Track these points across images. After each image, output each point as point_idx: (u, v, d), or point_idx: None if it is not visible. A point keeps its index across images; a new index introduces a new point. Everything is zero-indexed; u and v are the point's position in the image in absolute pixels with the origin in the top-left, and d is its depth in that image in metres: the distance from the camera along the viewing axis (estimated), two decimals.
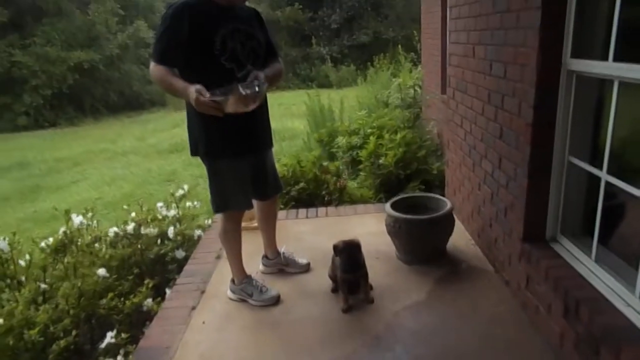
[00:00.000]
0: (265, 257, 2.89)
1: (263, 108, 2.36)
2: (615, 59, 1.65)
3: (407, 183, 4.67)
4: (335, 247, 2.43)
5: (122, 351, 2.11)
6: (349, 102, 8.52)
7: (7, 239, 2.56)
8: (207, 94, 1.99)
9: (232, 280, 2.62)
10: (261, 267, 2.88)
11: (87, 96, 17.81)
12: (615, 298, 1.70)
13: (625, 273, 1.70)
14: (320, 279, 2.73)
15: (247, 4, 2.39)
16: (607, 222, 1.85)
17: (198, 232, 3.61)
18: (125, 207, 3.54)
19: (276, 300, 2.54)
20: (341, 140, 6.05)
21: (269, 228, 2.82)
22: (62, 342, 2.05)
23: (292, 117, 11.27)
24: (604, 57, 1.71)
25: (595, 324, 1.64)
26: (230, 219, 2.48)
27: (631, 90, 1.63)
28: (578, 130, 1.97)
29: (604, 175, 1.78)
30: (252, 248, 2.89)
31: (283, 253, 2.87)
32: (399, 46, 11.10)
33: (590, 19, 1.82)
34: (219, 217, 2.56)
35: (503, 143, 2.43)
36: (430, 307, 2.43)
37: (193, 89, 1.99)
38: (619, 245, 1.77)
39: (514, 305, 2.36)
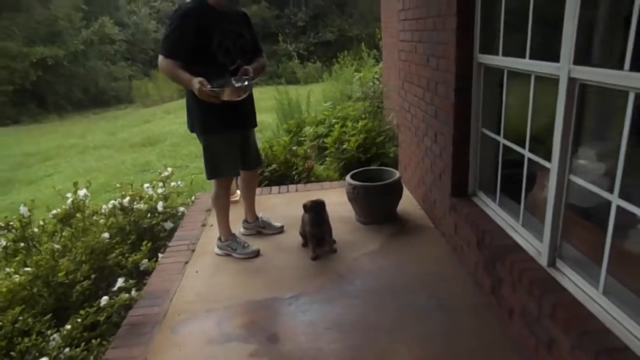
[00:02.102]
0: (245, 221, 3.41)
1: (249, 95, 2.88)
2: (503, 55, 2.28)
3: (368, 165, 5.28)
4: (304, 206, 2.99)
5: (133, 291, 2.58)
6: (315, 97, 9.07)
7: (26, 205, 2.98)
8: (208, 85, 2.50)
9: (219, 239, 3.13)
10: (242, 229, 3.40)
11: (51, 93, 17.60)
12: (508, 228, 2.33)
13: (516, 209, 2.33)
14: (293, 238, 3.28)
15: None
16: (506, 177, 2.48)
17: (182, 209, 4.08)
18: (117, 185, 3.95)
19: (257, 254, 3.08)
20: (308, 130, 6.61)
21: (249, 195, 3.35)
22: (85, 283, 2.51)
23: (260, 112, 11.66)
24: (497, 53, 2.33)
25: (493, 246, 2.27)
26: (221, 185, 2.99)
27: (516, 77, 2.25)
28: (487, 107, 2.60)
29: (501, 140, 2.42)
30: (233, 217, 3.39)
31: (261, 217, 3.41)
32: (362, 44, 11.73)
33: (489, 25, 2.44)
34: (212, 184, 3.04)
35: (437, 121, 3.04)
36: (382, 254, 3.03)
37: (196, 80, 2.49)
38: (512, 191, 2.39)
39: (447, 249, 2.99)
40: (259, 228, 3.40)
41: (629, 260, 1.69)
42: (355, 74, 7.85)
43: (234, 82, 2.59)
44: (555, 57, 1.80)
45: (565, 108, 1.77)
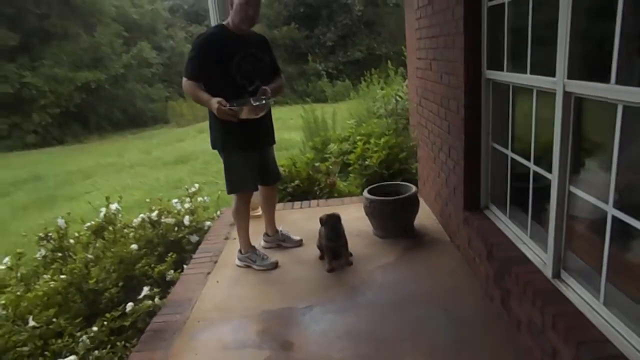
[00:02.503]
0: (265, 234, 3.54)
1: (267, 114, 3.03)
2: (508, 70, 2.34)
3: (390, 181, 5.34)
4: (320, 219, 3.09)
5: (156, 299, 2.74)
6: (342, 115, 9.24)
7: (63, 218, 3.23)
8: (227, 105, 2.68)
9: (240, 251, 3.26)
10: (262, 242, 3.53)
11: (93, 114, 18.62)
12: (517, 240, 2.35)
13: (525, 221, 2.35)
14: (311, 251, 3.37)
15: (254, 28, 3.08)
16: (516, 190, 2.51)
17: (208, 223, 4.26)
18: (147, 200, 4.18)
19: (275, 266, 3.19)
20: (333, 147, 6.74)
21: (269, 210, 3.48)
22: (113, 290, 2.70)
23: (289, 130, 11.96)
24: (502, 69, 2.39)
25: (502, 258, 2.30)
26: (241, 199, 3.15)
27: (521, 92, 2.30)
28: (496, 122, 2.64)
29: (509, 153, 2.46)
30: (254, 230, 3.52)
31: (280, 231, 3.53)
32: (389, 61, 11.86)
33: (495, 43, 2.51)
34: (233, 199, 3.20)
35: (450, 136, 3.10)
36: (397, 267, 3.08)
37: (215, 100, 2.68)
38: (522, 204, 2.42)
39: (461, 262, 3.01)
40: (279, 241, 3.52)
41: (631, 270, 1.70)
42: (379, 91, 7.96)
43: (252, 101, 2.76)
44: (553, 72, 1.86)
45: (562, 121, 1.82)
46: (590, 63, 1.71)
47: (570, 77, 1.75)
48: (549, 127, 1.96)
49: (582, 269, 1.91)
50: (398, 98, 6.64)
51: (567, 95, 1.78)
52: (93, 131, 18.24)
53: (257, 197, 3.67)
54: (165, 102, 20.12)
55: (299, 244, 3.51)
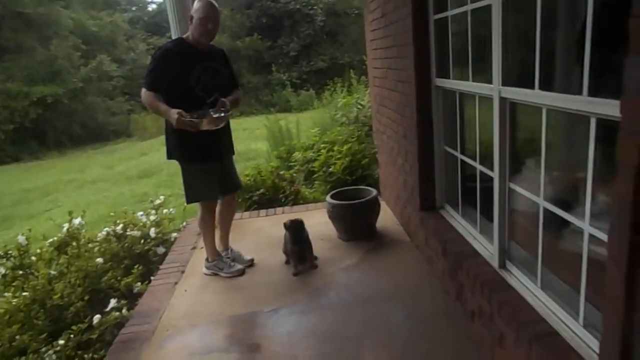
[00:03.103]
0: (206, 259, 3.35)
1: (226, 125, 3.05)
2: (454, 78, 2.53)
3: (354, 186, 5.49)
4: (285, 225, 3.18)
5: (124, 310, 2.75)
6: (307, 124, 9.38)
7: (24, 234, 3.18)
8: (187, 115, 2.71)
9: (207, 259, 3.30)
10: (204, 269, 3.33)
11: (51, 130, 17.98)
12: (468, 235, 2.52)
13: (475, 218, 2.52)
14: (276, 257, 3.44)
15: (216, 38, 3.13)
16: (468, 190, 2.68)
17: (174, 234, 4.26)
18: (111, 213, 4.15)
19: (242, 272, 3.24)
20: (297, 155, 6.84)
21: (226, 223, 3.42)
22: (79, 304, 2.68)
23: (255, 140, 11.99)
24: (449, 77, 2.58)
25: (454, 254, 2.45)
26: (206, 208, 3.16)
27: (466, 98, 2.49)
28: (447, 126, 2.83)
29: (459, 155, 2.63)
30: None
31: (231, 249, 3.43)
32: (351, 70, 12.13)
33: (442, 53, 2.70)
34: (198, 208, 3.21)
35: (406, 141, 3.26)
36: (359, 268, 3.20)
37: (175, 112, 2.69)
38: (473, 202, 2.59)
39: (420, 260, 3.16)
40: (229, 259, 3.36)
41: (562, 256, 1.87)
42: (340, 100, 8.16)
43: (212, 113, 2.81)
44: (490, 80, 2.04)
45: (500, 123, 1.99)
46: (519, 71, 1.89)
47: (504, 84, 1.93)
48: (491, 129, 2.14)
49: (523, 258, 2.08)
50: (359, 106, 6.84)
51: (502, 100, 1.96)
52: (52, 147, 17.61)
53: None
54: (127, 116, 19.69)
55: (250, 264, 3.38)
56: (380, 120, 4.20)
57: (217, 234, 3.44)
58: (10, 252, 3.13)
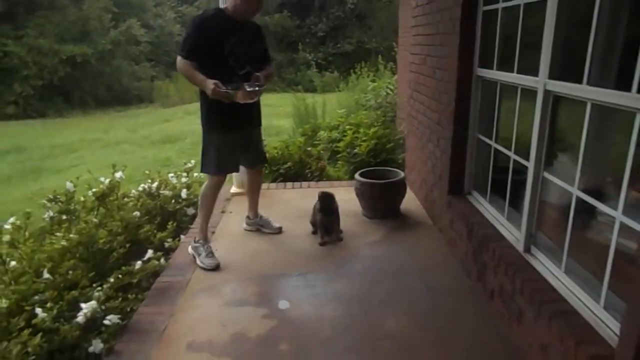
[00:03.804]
0: (247, 217, 3.66)
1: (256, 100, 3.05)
2: (497, 68, 2.61)
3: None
4: (318, 194, 3.34)
5: (162, 260, 2.95)
6: (331, 105, 9.47)
7: (72, 182, 3.38)
8: (223, 87, 2.76)
9: (194, 238, 3.24)
10: (244, 224, 3.64)
11: (77, 89, 18.29)
12: (494, 221, 2.65)
13: (502, 205, 2.64)
14: (304, 227, 3.61)
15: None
16: (497, 178, 2.79)
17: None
18: (146, 172, 4.35)
19: (214, 268, 3.03)
20: (323, 134, 6.97)
21: (253, 193, 3.57)
22: (121, 251, 2.88)
23: (278, 117, 12.13)
24: (492, 67, 2.66)
25: (480, 236, 2.58)
26: (211, 182, 3.14)
27: (508, 89, 2.58)
28: (484, 116, 2.92)
29: (493, 144, 2.74)
30: (239, 209, 3.72)
31: (261, 216, 3.63)
32: (380, 56, 12.11)
33: (487, 44, 2.77)
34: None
35: (440, 127, 3.37)
36: (383, 244, 3.35)
37: (211, 82, 2.73)
38: (501, 190, 2.70)
39: (442, 243, 3.30)
40: (259, 225, 3.61)
41: (587, 246, 1.99)
42: (370, 84, 8.20)
43: (246, 86, 2.84)
44: (536, 73, 2.13)
45: (541, 115, 2.09)
46: (567, 66, 1.98)
47: (550, 77, 2.02)
48: (529, 121, 2.24)
49: (548, 245, 2.20)
50: (388, 91, 6.90)
51: (546, 93, 2.05)
52: (76, 106, 17.93)
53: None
54: (151, 82, 19.90)
55: (279, 231, 3.56)
56: (412, 106, 4.29)
57: (246, 201, 3.62)
58: (58, 196, 3.33)
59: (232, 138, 3.07)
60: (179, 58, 2.89)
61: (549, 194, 2.20)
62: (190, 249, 3.22)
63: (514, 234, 2.42)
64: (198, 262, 3.10)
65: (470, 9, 2.80)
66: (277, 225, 3.59)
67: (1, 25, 17.16)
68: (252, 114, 3.16)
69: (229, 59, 2.90)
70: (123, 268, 2.66)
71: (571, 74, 1.87)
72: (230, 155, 3.13)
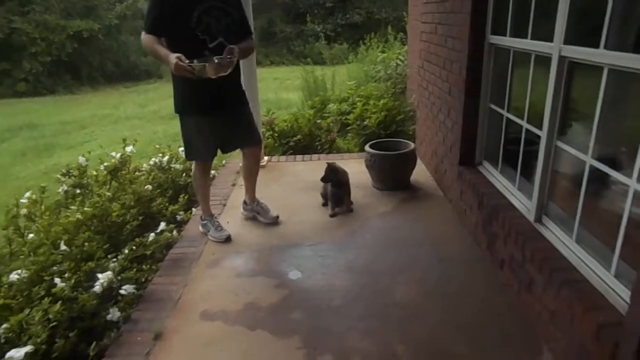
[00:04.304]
0: (244, 202, 3.40)
1: (234, 74, 2.72)
2: (510, 35, 2.54)
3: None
4: (328, 164, 3.34)
5: (174, 232, 3.00)
6: (341, 77, 9.34)
7: (84, 156, 3.42)
8: (186, 61, 2.42)
9: (200, 217, 3.21)
10: (241, 209, 3.42)
11: (85, 65, 18.23)
12: (505, 191, 2.63)
13: (513, 175, 2.62)
14: (314, 199, 3.63)
15: None
16: (509, 149, 2.76)
17: (213, 171, 4.47)
18: (157, 146, 4.37)
19: (225, 239, 3.04)
20: (332, 107, 6.92)
21: (248, 176, 3.27)
22: (134, 223, 2.94)
23: (287, 90, 12.03)
24: (505, 34, 2.59)
25: (491, 206, 2.57)
26: (197, 167, 3.01)
27: (521, 57, 2.52)
28: (495, 85, 2.86)
29: (505, 113, 2.70)
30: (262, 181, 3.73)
31: (258, 201, 3.34)
32: (389, 26, 11.85)
33: (500, 9, 2.69)
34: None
35: (451, 97, 3.31)
36: (393, 215, 3.36)
37: (173, 56, 2.40)
38: (512, 161, 2.68)
39: (452, 213, 3.30)
40: (255, 213, 3.34)
41: (599, 215, 1.98)
42: (380, 55, 8.06)
43: (215, 59, 2.49)
44: (551, 38, 2.07)
45: (555, 82, 2.04)
46: (584, 30, 1.92)
47: (566, 42, 1.97)
48: (543, 89, 2.19)
49: (559, 214, 2.19)
50: (398, 62, 6.78)
51: (561, 59, 2.00)
52: (85, 83, 17.92)
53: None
54: None
55: (274, 221, 3.27)
56: (423, 76, 4.22)
57: (243, 185, 3.39)
58: (71, 170, 3.38)
59: (211, 120, 2.81)
60: (142, 33, 2.61)
61: (562, 163, 2.17)
62: (200, 227, 3.20)
63: (525, 204, 2.41)
64: (209, 236, 3.10)
65: None
66: (274, 214, 3.29)
67: (7, 2, 17.05)
68: (232, 91, 2.86)
69: (195, 30, 2.57)
70: (137, 240, 2.71)
71: (587, 38, 1.81)
72: (212, 139, 2.88)
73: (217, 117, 2.83)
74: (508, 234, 2.32)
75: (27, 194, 3.24)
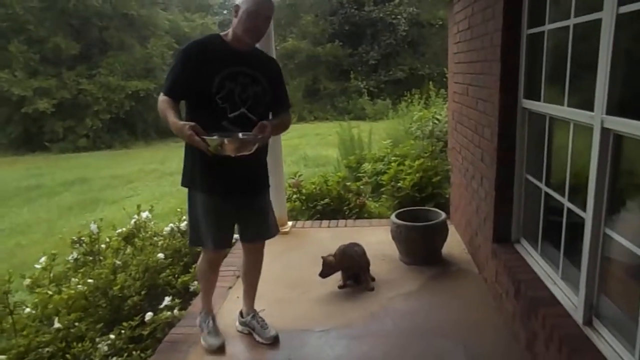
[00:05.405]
0: (240, 313, 2.74)
1: (259, 153, 2.27)
2: (545, 101, 2.25)
3: (422, 204, 5.23)
4: (322, 258, 3.08)
5: (175, 310, 2.78)
6: (380, 134, 9.20)
7: (96, 223, 3.36)
8: (202, 132, 2.02)
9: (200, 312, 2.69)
10: (236, 322, 2.74)
11: (140, 121, 19.45)
12: (547, 279, 2.22)
13: (556, 259, 2.22)
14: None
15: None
16: (551, 225, 2.38)
17: (235, 235, 4.30)
18: (178, 209, 4.29)
19: (215, 350, 2.49)
20: (367, 166, 6.70)
21: (249, 277, 2.68)
22: (135, 298, 2.76)
23: (327, 146, 12.02)
24: (539, 99, 2.30)
25: (529, 297, 2.17)
26: (205, 257, 2.51)
27: (558, 124, 2.20)
28: (531, 153, 2.54)
29: (543, 187, 2.34)
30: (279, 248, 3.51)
31: (254, 314, 2.67)
32: (430, 82, 11.74)
33: (533, 72, 2.42)
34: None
35: (483, 164, 3.00)
36: (419, 295, 2.98)
37: (188, 125, 2.01)
38: (555, 240, 2.29)
39: (487, 296, 2.88)
40: (250, 329, 2.64)
41: None
42: (416, 113, 7.88)
43: (240, 135, 2.15)
44: (591, 107, 1.76)
45: (599, 158, 1.71)
46: (630, 99, 1.61)
47: (609, 112, 1.65)
48: (586, 162, 1.85)
49: (617, 316, 1.77)
50: (435, 121, 6.54)
51: (605, 131, 1.68)
52: (140, 138, 19.04)
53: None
54: None
55: (271, 341, 2.53)
56: (456, 139, 3.94)
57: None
58: (82, 238, 3.31)
59: (218, 203, 2.34)
60: (160, 95, 2.24)
61: (615, 249, 1.78)
62: (197, 319, 2.67)
63: (571, 299, 2.00)
64: (201, 340, 2.57)
65: (512, 34, 2.47)
66: (272, 332, 2.56)
67: (78, 66, 18.76)
68: (253, 175, 2.40)
69: (215, 96, 2.19)
70: (125, 324, 2.51)
71: (635, 108, 1.50)
72: (219, 226, 2.39)
73: (232, 201, 2.37)
74: (550, 336, 1.91)
75: (42, 260, 3.19)
